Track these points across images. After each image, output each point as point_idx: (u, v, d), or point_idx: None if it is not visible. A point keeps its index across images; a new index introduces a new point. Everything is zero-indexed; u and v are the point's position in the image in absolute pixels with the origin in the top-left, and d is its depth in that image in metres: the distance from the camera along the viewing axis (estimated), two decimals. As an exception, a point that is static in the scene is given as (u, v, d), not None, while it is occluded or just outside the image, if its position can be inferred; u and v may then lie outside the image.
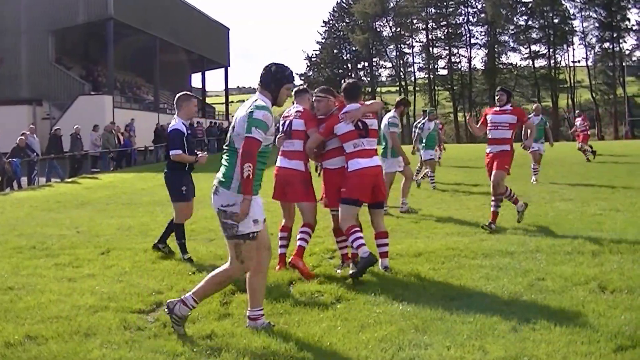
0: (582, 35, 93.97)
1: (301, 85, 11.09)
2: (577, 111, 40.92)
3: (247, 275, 6.91)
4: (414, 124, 21.96)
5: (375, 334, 6.48)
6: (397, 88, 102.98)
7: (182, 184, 11.23)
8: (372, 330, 6.64)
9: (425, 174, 22.83)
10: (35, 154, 31.65)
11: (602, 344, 6.01)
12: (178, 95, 11.35)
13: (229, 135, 6.82)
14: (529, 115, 22.31)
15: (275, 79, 6.79)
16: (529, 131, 14.36)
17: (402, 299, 7.78)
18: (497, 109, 13.48)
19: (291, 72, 6.87)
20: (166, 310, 6.94)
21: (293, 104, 10.23)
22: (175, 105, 11.28)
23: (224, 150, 6.83)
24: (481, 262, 9.79)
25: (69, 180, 31.83)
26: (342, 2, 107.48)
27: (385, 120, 15.76)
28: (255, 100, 6.70)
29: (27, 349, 6.40)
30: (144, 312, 7.78)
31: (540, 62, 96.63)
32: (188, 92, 11.68)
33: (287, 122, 9.98)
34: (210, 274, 6.93)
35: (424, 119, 22.38)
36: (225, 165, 6.74)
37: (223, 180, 6.67)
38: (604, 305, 7.21)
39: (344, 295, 8.17)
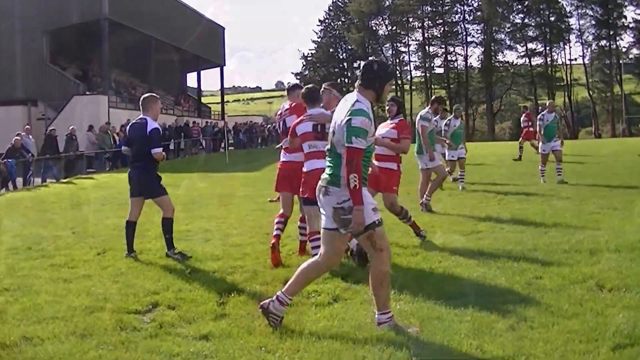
0: (579, 33, 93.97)
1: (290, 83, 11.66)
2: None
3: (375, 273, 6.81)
4: (441, 122, 21.52)
5: (373, 334, 6.48)
6: (393, 86, 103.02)
7: (160, 179, 11.51)
8: (369, 329, 6.64)
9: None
10: (30, 154, 31.64)
11: (600, 342, 6.02)
12: (144, 96, 11.79)
13: (329, 139, 6.89)
14: (543, 112, 22.02)
15: (378, 76, 6.78)
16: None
17: (399, 298, 7.79)
18: (388, 121, 12.47)
19: (392, 68, 6.85)
20: (261, 311, 7.00)
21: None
22: (142, 106, 11.67)
23: (327, 153, 6.91)
24: (478, 260, 9.80)
25: (65, 180, 31.83)
26: (338, 1, 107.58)
27: (418, 116, 16.23)
28: (353, 104, 6.66)
29: (23, 350, 6.40)
30: (140, 312, 7.77)
31: (536, 60, 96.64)
32: (154, 94, 12.04)
33: (281, 121, 10.30)
34: (300, 268, 7.00)
35: (451, 115, 22.00)
36: (330, 166, 6.81)
37: (332, 179, 6.73)
38: (601, 304, 7.22)
39: (340, 294, 8.17)
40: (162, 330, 6.93)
